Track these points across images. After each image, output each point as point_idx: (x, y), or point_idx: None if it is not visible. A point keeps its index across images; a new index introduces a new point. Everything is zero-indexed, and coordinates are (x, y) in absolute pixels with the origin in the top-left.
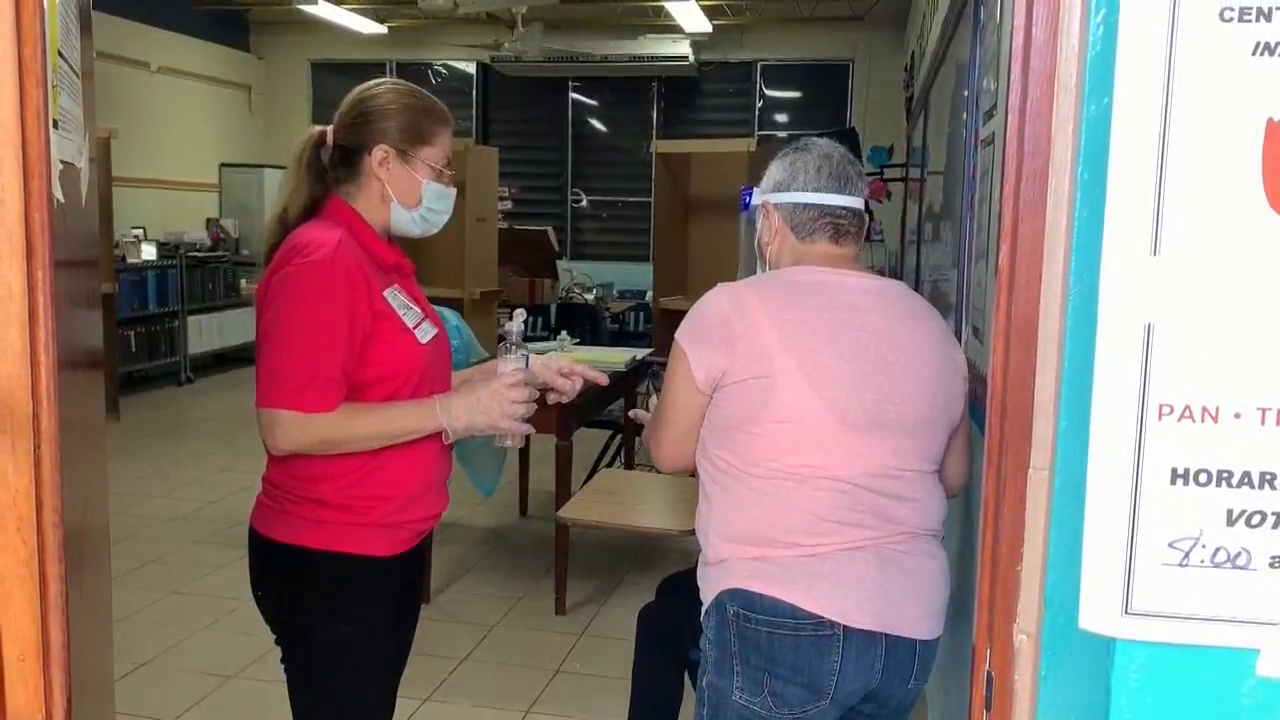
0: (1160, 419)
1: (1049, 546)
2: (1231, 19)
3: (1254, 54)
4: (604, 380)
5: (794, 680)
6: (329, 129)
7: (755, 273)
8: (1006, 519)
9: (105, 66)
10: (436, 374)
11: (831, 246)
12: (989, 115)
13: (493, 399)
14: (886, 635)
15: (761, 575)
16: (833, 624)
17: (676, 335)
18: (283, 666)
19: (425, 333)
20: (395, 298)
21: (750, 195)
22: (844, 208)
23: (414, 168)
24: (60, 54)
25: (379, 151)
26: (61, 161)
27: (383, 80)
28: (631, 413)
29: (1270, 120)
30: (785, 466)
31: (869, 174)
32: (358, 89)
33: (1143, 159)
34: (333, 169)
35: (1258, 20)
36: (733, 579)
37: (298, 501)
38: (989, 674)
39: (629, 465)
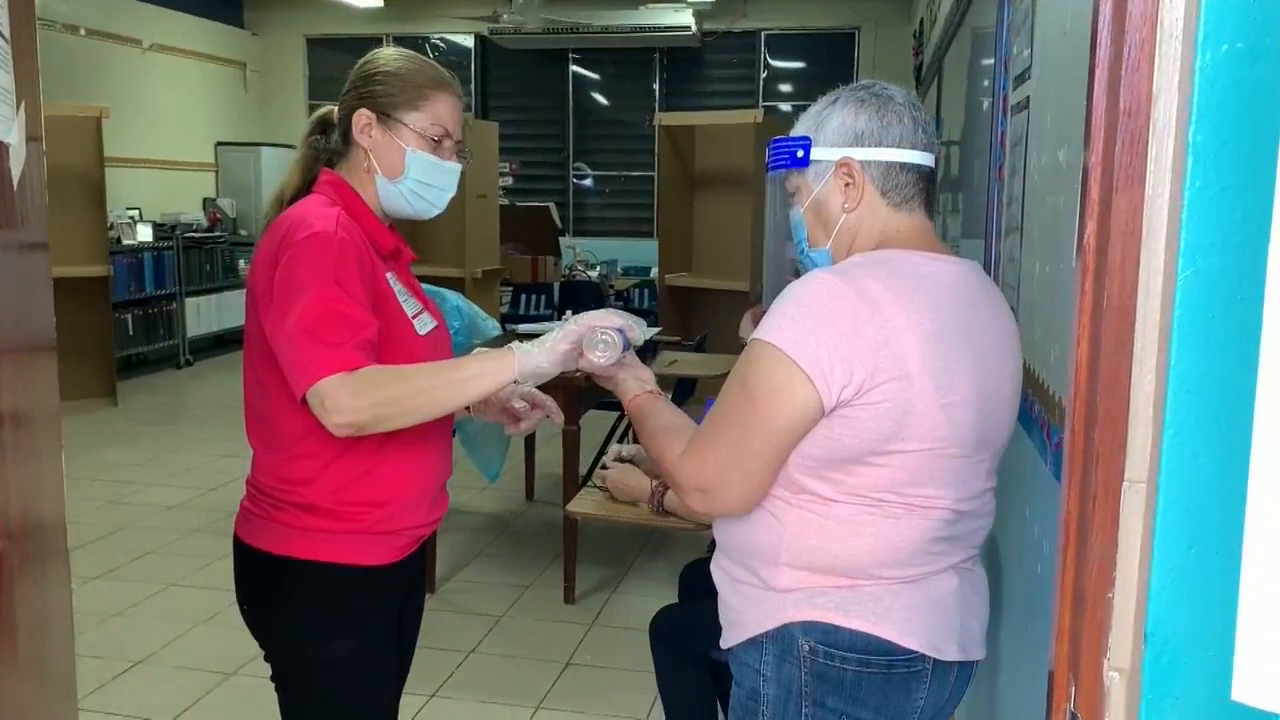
0: None
1: (1150, 574)
2: None
3: None
4: (557, 419)
5: None
6: (335, 107)
7: (784, 250)
8: (1095, 539)
9: (96, 44)
10: None
11: (925, 219)
12: (1020, 80)
13: (572, 322)
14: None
15: (849, 607)
16: (924, 658)
17: (769, 337)
18: (274, 685)
19: (424, 324)
20: (394, 284)
21: (797, 147)
22: (932, 170)
23: (397, 134)
24: None
25: (360, 116)
26: None
27: (385, 47)
28: (612, 464)
29: None
30: (899, 497)
31: None
32: (361, 59)
33: None
34: (335, 146)
35: None
36: (810, 610)
37: (283, 507)
38: (1073, 713)
39: None
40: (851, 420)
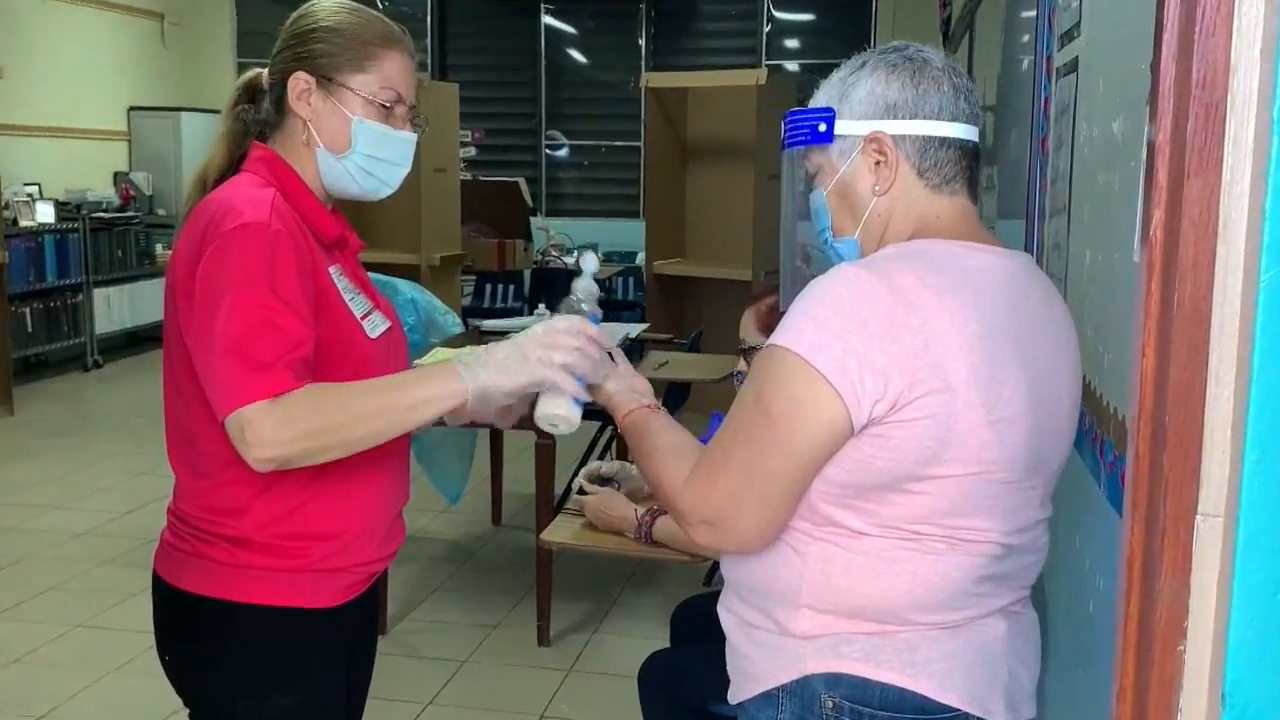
0: None
1: (1229, 623)
2: None
3: None
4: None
5: None
6: (265, 71)
7: (799, 236)
8: (1163, 582)
9: None
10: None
11: (968, 202)
12: (1067, 38)
13: (528, 341)
14: None
15: (880, 656)
16: (966, 716)
17: (788, 343)
18: None
19: (375, 326)
20: (340, 279)
21: (818, 120)
22: (976, 145)
23: (341, 100)
24: None
25: (297, 80)
26: None
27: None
28: (590, 486)
29: None
30: (940, 529)
31: None
32: (294, 13)
33: None
34: (266, 116)
35: None
36: (835, 660)
37: (211, 540)
38: None
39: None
40: (885, 440)
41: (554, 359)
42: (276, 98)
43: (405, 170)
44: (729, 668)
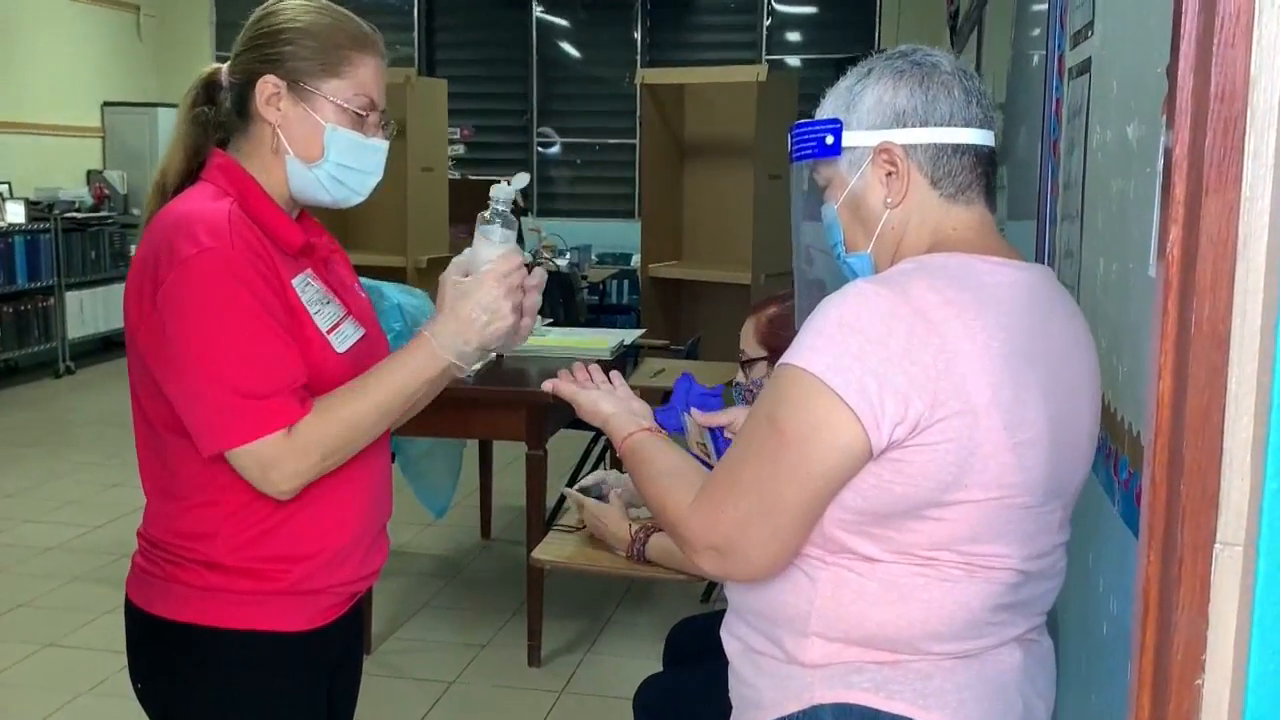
0: None
1: (1248, 657)
2: None
3: None
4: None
5: None
6: (224, 66)
7: (810, 247)
8: (1180, 614)
9: None
10: None
11: (985, 211)
12: (1079, 37)
13: (493, 295)
14: None
15: (892, 686)
16: None
17: (802, 362)
18: None
19: (344, 338)
20: (306, 289)
21: (825, 132)
22: (991, 150)
23: (314, 107)
24: None
25: (266, 85)
26: None
27: None
28: (576, 498)
29: None
30: (958, 555)
31: None
32: (259, 9)
33: None
34: (225, 117)
35: None
36: (845, 690)
37: (181, 564)
38: None
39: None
40: (905, 465)
41: (516, 314)
42: (239, 99)
43: (377, 179)
44: (732, 694)
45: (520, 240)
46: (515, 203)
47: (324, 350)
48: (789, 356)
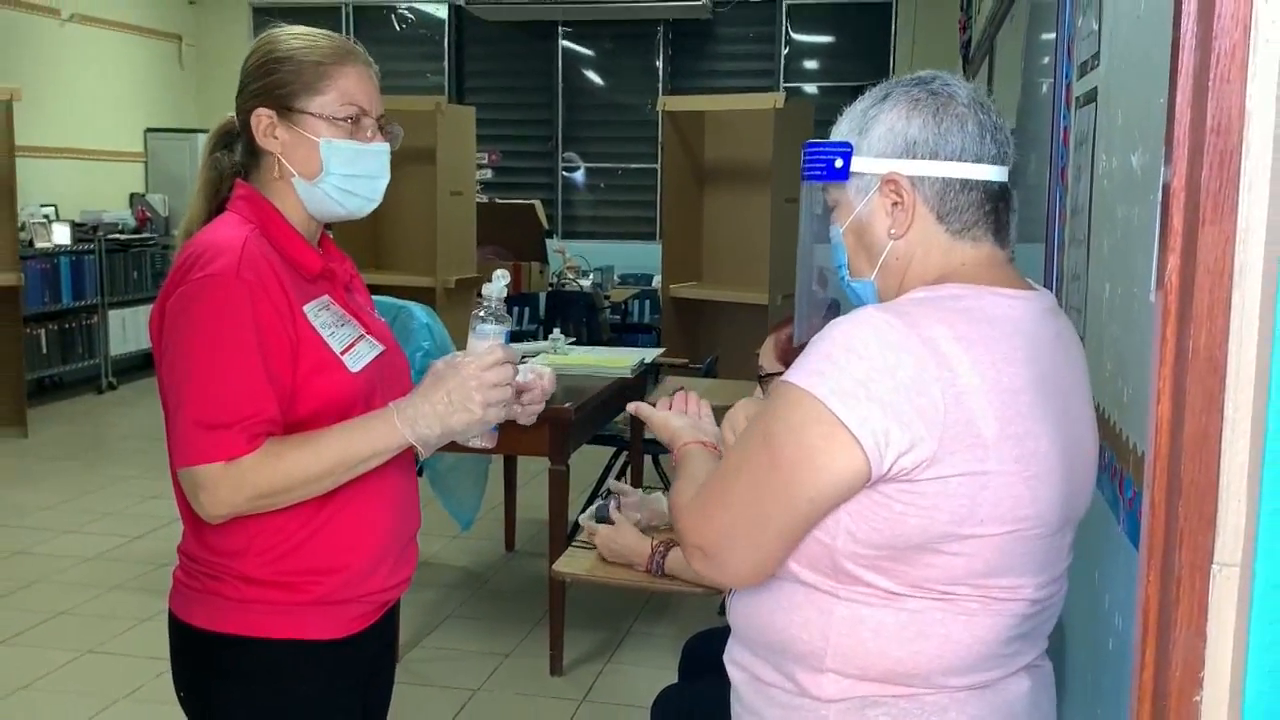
0: None
1: (1245, 675)
2: None
3: None
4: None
5: None
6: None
7: (818, 269)
8: (1179, 632)
9: (5, 15)
10: (383, 405)
11: (997, 249)
12: (1086, 68)
13: (465, 387)
14: None
15: None
16: None
17: (805, 383)
18: None
19: (359, 358)
20: (321, 314)
21: (835, 155)
22: (1005, 187)
23: (304, 126)
24: None
25: (259, 118)
26: None
27: (270, 29)
28: (590, 527)
29: None
30: (975, 589)
31: None
32: (247, 51)
33: None
34: (243, 159)
35: None
36: None
37: (219, 578)
38: None
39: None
40: (919, 498)
41: (490, 399)
42: (247, 138)
43: (384, 181)
44: None
45: (508, 335)
46: (504, 298)
47: (338, 370)
48: (793, 376)
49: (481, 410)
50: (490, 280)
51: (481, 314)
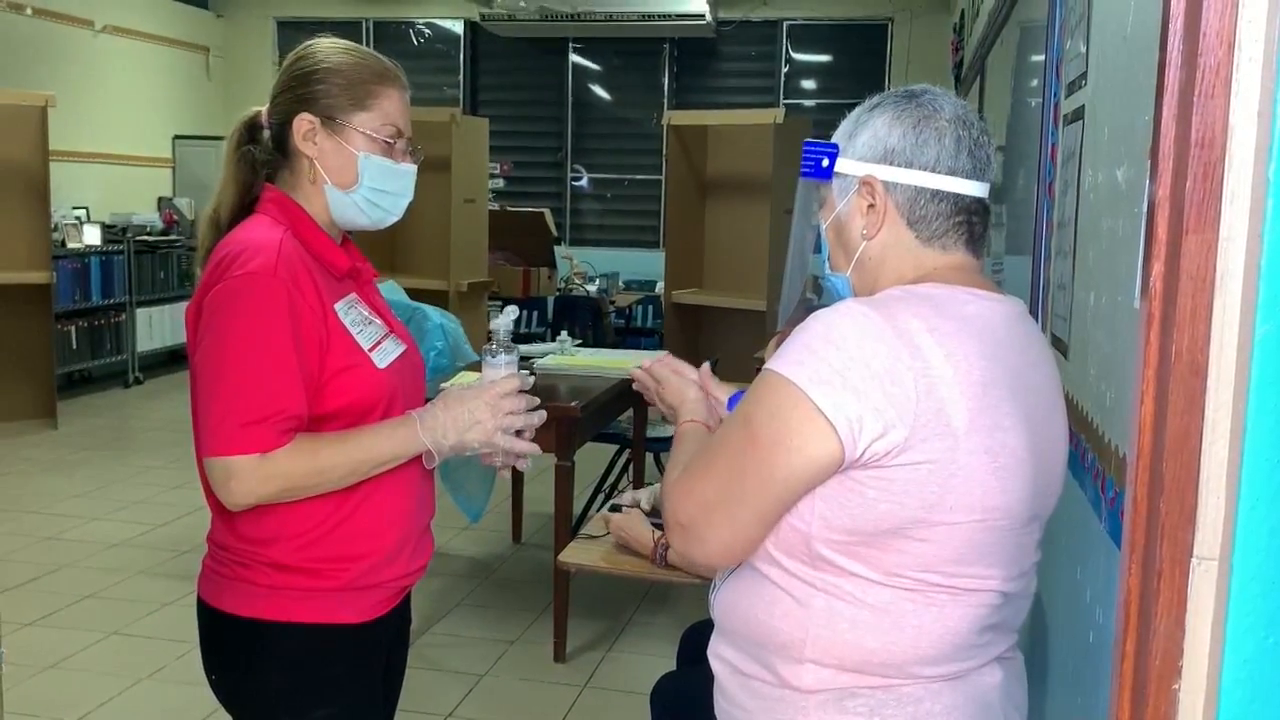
0: None
1: (1222, 664)
2: None
3: None
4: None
5: None
6: (264, 108)
7: (808, 264)
8: (1159, 623)
9: (42, 25)
10: (404, 401)
11: (969, 258)
12: (1073, 87)
13: (485, 410)
14: None
15: (885, 710)
16: None
17: (786, 371)
18: None
19: (385, 355)
20: (349, 312)
21: (824, 154)
22: (980, 201)
23: (346, 138)
24: None
25: (302, 122)
26: None
27: (318, 38)
28: (605, 515)
29: None
30: (945, 578)
31: None
32: (291, 54)
33: None
34: (269, 154)
35: None
36: (839, 714)
37: (248, 565)
38: None
39: (638, 485)
40: (889, 483)
41: (502, 425)
42: (278, 137)
43: (408, 200)
44: (719, 713)
45: (519, 364)
46: (513, 332)
47: (366, 366)
48: (774, 363)
49: (493, 434)
50: (502, 314)
51: (494, 347)
